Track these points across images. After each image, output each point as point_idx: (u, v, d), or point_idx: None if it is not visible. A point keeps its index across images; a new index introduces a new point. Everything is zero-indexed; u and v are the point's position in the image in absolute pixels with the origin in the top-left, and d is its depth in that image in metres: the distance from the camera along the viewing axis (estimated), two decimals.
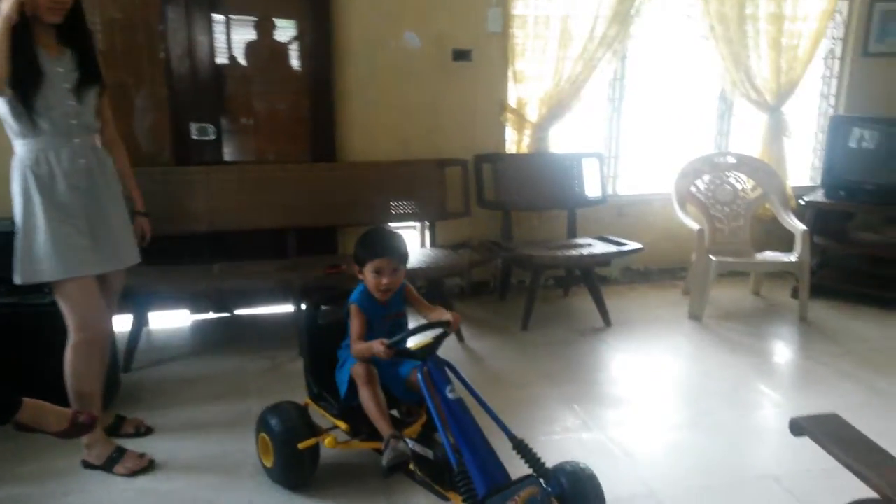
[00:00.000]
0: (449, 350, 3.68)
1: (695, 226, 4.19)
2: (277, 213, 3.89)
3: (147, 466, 2.57)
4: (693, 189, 4.46)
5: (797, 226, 4.18)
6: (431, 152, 4.23)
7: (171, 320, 4.11)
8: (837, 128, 4.57)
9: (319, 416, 2.51)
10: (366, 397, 2.24)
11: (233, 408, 3.06)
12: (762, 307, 4.50)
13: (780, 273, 4.75)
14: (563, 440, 2.83)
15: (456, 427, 2.01)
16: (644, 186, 4.88)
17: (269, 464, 2.46)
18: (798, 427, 1.67)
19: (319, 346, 2.53)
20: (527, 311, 3.99)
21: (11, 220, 2.48)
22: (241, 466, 2.61)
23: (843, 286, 4.54)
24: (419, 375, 2.10)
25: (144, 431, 2.82)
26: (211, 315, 4.18)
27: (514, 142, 4.45)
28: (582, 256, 3.96)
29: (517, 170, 4.34)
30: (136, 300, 3.42)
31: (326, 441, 2.31)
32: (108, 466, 2.54)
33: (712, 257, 4.06)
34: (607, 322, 4.05)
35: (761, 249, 4.41)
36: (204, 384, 3.31)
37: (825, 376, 3.44)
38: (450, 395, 2.07)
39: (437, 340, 2.24)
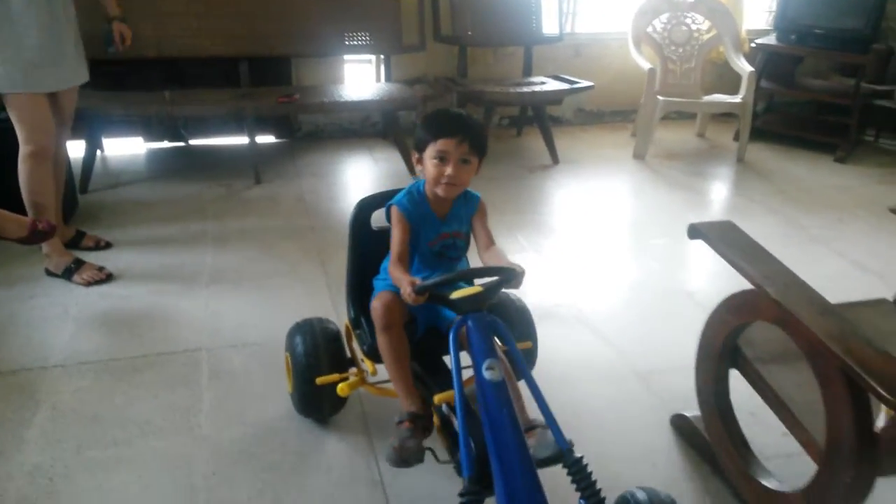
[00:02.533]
0: (399, 177, 3.84)
1: (646, 65, 4.24)
2: (228, 40, 3.85)
3: (104, 279, 2.73)
4: (649, 29, 4.47)
5: (745, 67, 4.27)
6: None
7: (126, 148, 4.16)
8: None
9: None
10: (383, 346, 1.69)
11: (189, 227, 3.22)
12: (705, 148, 4.68)
13: (726, 117, 4.89)
14: None
15: (487, 422, 1.42)
16: (602, 25, 4.85)
17: (289, 388, 2.02)
18: (695, 231, 1.86)
19: (368, 257, 1.90)
20: None
21: None
22: (199, 276, 2.79)
23: (786, 130, 4.71)
24: (451, 336, 1.51)
25: (104, 245, 2.96)
26: (165, 144, 4.23)
27: None
28: (534, 93, 4.03)
29: (474, 2, 4.28)
30: (88, 123, 3.45)
31: (339, 387, 1.82)
32: (66, 275, 2.70)
33: (659, 97, 4.16)
34: (555, 160, 4.20)
35: (711, 93, 4.52)
36: (161, 206, 3.43)
37: (753, 211, 3.67)
38: (486, 374, 1.43)
39: (489, 292, 1.55)
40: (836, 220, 3.54)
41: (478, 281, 1.66)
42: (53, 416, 2.01)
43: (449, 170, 1.67)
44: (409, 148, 3.83)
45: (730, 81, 4.65)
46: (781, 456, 1.85)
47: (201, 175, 3.83)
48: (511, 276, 1.57)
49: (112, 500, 1.73)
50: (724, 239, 1.81)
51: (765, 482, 1.70)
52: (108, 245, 2.97)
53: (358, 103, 3.85)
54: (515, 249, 3.11)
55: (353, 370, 1.92)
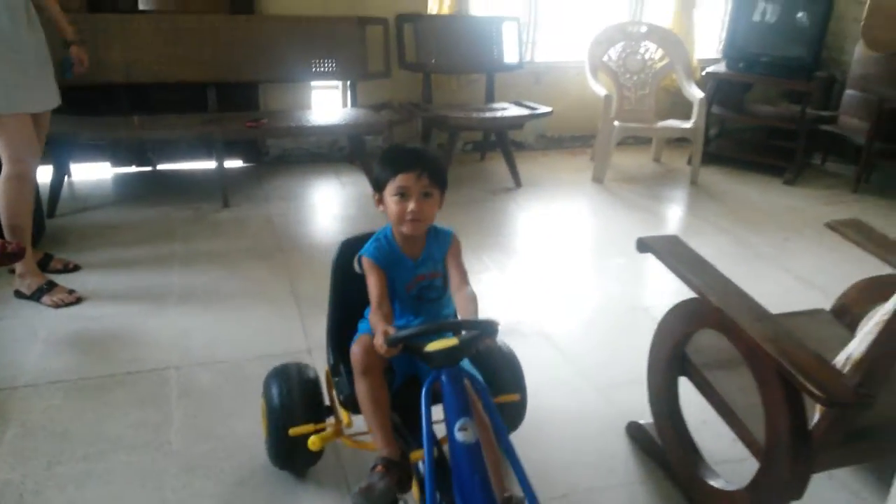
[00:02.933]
0: (365, 201, 3.91)
1: (602, 91, 4.41)
2: (196, 66, 3.92)
3: (74, 302, 2.75)
4: (605, 58, 4.66)
5: (696, 94, 4.47)
6: (353, 9, 4.26)
7: (94, 173, 4.18)
8: (741, 1, 4.78)
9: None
10: (361, 391, 1.62)
11: (158, 249, 3.26)
12: (660, 172, 4.85)
13: (680, 142, 5.08)
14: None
15: (457, 485, 1.37)
16: (561, 54, 5.03)
17: (264, 434, 1.90)
18: (643, 244, 1.98)
19: (350, 300, 1.81)
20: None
21: None
22: (167, 296, 2.83)
23: (738, 154, 4.93)
24: (423, 391, 1.43)
25: (72, 268, 2.99)
26: (133, 169, 4.26)
27: (436, 2, 4.50)
28: (495, 118, 4.17)
29: (438, 31, 4.43)
30: (57, 147, 3.48)
31: (310, 440, 1.72)
32: (36, 296, 2.72)
33: (615, 122, 4.33)
34: (518, 183, 4.32)
35: (665, 118, 4.71)
36: (129, 230, 3.46)
37: (706, 230, 3.83)
38: (459, 436, 1.37)
39: (465, 345, 1.46)
40: (782, 239, 3.71)
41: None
42: (23, 433, 2.04)
43: (411, 205, 1.61)
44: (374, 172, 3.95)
45: (682, 108, 4.85)
46: (732, 461, 1.94)
47: (169, 199, 3.87)
48: (490, 330, 1.49)
49: None
50: (670, 252, 1.93)
51: (712, 483, 1.81)
52: (76, 268, 3.00)
53: (325, 128, 3.95)
54: (480, 269, 3.20)
55: (331, 420, 1.83)
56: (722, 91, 4.81)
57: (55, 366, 2.36)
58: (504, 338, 2.18)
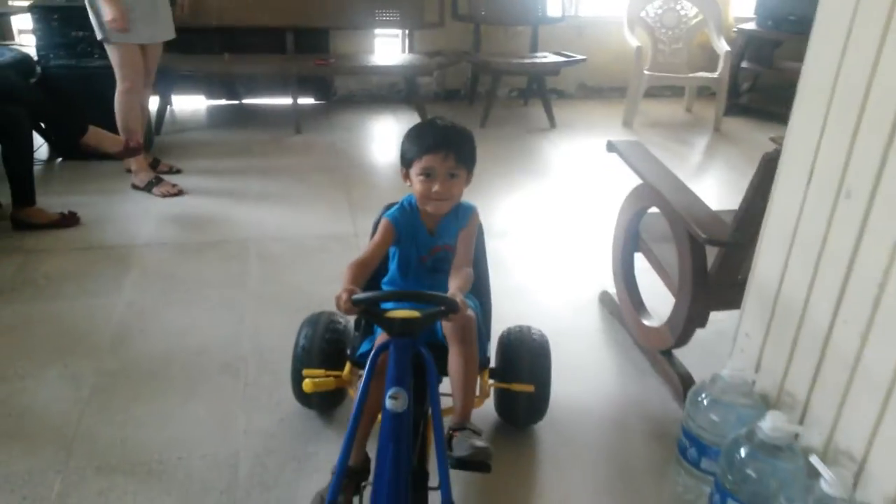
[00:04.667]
0: None
1: (635, 43, 4.86)
2: (277, 12, 4.58)
3: (177, 194, 3.48)
4: (643, 13, 5.08)
5: (723, 47, 4.86)
6: None
7: (191, 103, 4.94)
8: None
9: None
10: (363, 390, 1.48)
11: (242, 161, 3.98)
12: (689, 120, 5.27)
13: (714, 95, 5.46)
14: (488, 209, 3.73)
15: (379, 449, 1.37)
16: (603, 9, 5.47)
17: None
18: (610, 146, 2.53)
19: (385, 259, 1.80)
20: (486, 111, 4.77)
21: None
22: (248, 194, 3.56)
23: (765, 106, 5.28)
24: (371, 355, 1.45)
25: (176, 170, 3.72)
26: (223, 102, 5.00)
27: None
28: (534, 64, 4.69)
29: None
30: (161, 79, 4.19)
31: (304, 382, 1.73)
32: (148, 188, 3.46)
33: (645, 71, 4.78)
34: (552, 124, 4.84)
35: (698, 71, 5.11)
36: (219, 146, 4.19)
37: (716, 169, 4.28)
38: (388, 403, 1.36)
39: (425, 319, 1.44)
40: None
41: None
42: (142, 274, 2.77)
43: (436, 186, 1.61)
44: (426, 111, 4.56)
45: (716, 62, 5.22)
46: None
47: (252, 126, 4.59)
48: (451, 308, 1.43)
49: (185, 324, 2.46)
50: (630, 152, 2.47)
51: (647, 323, 2.37)
52: (178, 171, 3.73)
53: (383, 68, 4.58)
54: (510, 187, 3.76)
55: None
56: (753, 47, 5.17)
57: (163, 234, 3.10)
58: (513, 240, 2.75)
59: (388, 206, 1.80)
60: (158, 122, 4.28)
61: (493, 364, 1.89)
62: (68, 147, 3.46)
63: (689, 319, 2.14)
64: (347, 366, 1.80)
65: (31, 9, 3.62)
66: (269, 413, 2.03)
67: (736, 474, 1.56)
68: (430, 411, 1.52)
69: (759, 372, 1.79)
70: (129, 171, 3.56)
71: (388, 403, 1.37)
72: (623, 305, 2.53)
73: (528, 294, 2.72)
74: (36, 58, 3.67)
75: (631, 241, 2.49)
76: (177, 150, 4.06)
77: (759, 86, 5.53)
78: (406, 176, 1.70)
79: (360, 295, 1.44)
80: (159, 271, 2.79)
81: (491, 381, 1.86)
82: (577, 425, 2.03)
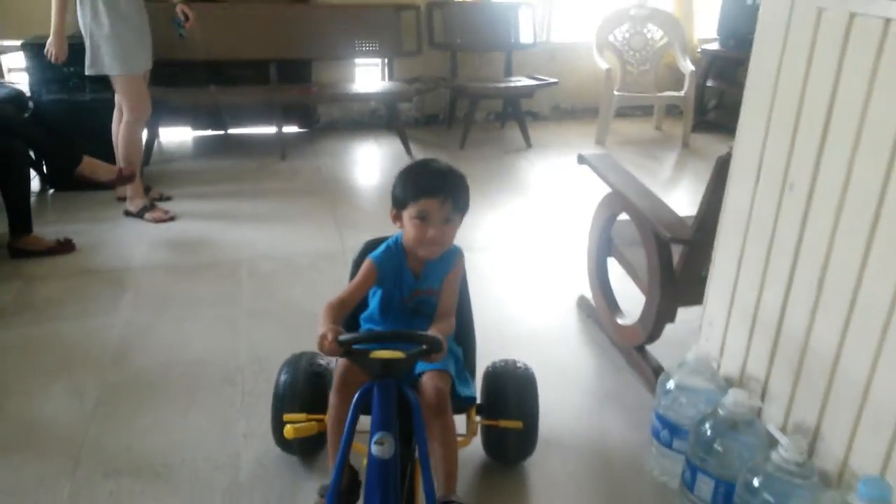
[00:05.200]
0: (396, 157, 4.69)
1: (604, 65, 5.08)
2: (261, 46, 4.75)
3: (169, 219, 3.60)
4: (611, 38, 5.31)
5: (688, 67, 5.09)
6: None
7: (177, 135, 5.07)
8: None
9: None
10: (330, 405, 1.57)
11: (230, 187, 4.11)
12: (658, 137, 5.49)
13: (681, 114, 5.69)
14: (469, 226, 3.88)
15: (365, 499, 1.36)
16: (574, 34, 5.71)
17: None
18: (581, 158, 2.69)
19: (366, 298, 1.78)
20: (464, 133, 4.96)
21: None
22: (239, 217, 3.68)
23: (733, 123, 5.45)
24: (353, 401, 1.41)
25: (166, 197, 3.84)
26: (209, 132, 5.14)
27: None
28: (508, 87, 4.89)
29: (463, 15, 5.18)
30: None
31: (286, 428, 1.70)
32: (141, 214, 3.57)
33: (615, 92, 4.99)
34: (528, 144, 5.03)
35: (664, 90, 5.33)
36: (207, 174, 4.32)
37: (685, 182, 4.47)
38: (374, 449, 1.34)
39: (409, 360, 1.41)
40: None
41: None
42: (138, 294, 2.87)
43: (431, 231, 1.55)
44: (407, 135, 4.74)
45: (682, 82, 5.46)
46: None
47: (238, 154, 4.73)
48: (433, 347, 1.40)
49: (182, 339, 2.57)
50: (600, 163, 2.63)
51: (621, 322, 2.51)
52: (169, 198, 3.85)
53: (364, 95, 4.76)
54: (487, 205, 3.92)
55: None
56: (717, 66, 5.41)
57: (156, 257, 3.22)
58: (494, 251, 2.90)
59: (370, 243, 1.76)
60: (147, 152, 4.40)
61: (479, 400, 1.84)
62: (64, 177, 3.57)
63: (658, 315, 2.28)
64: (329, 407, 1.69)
65: (23, 46, 3.75)
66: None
67: (704, 450, 1.69)
68: (416, 452, 1.51)
69: (723, 357, 1.94)
70: (119, 199, 3.68)
71: (375, 450, 1.34)
72: (598, 307, 2.67)
73: (508, 302, 2.86)
74: (28, 93, 3.79)
75: (604, 246, 2.65)
76: (166, 179, 4.18)
77: (725, 102, 5.77)
78: (396, 217, 1.62)
79: (345, 336, 1.40)
80: (154, 292, 2.90)
81: (478, 418, 1.82)
82: (559, 420, 2.16)
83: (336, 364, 1.56)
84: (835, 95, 1.51)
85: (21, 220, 3.09)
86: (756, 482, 1.53)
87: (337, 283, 2.86)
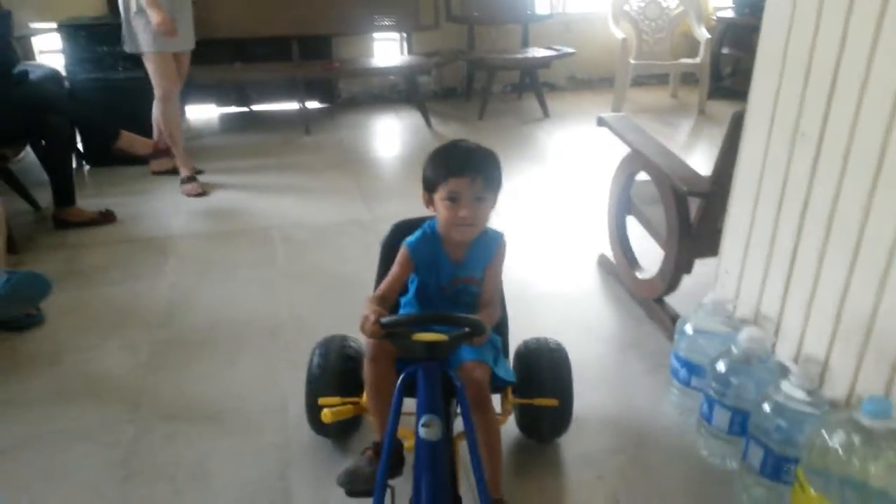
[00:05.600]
0: (416, 130, 4.81)
1: (620, 34, 5.14)
2: (283, 23, 4.86)
3: (200, 194, 3.72)
4: (626, 7, 5.37)
5: (703, 35, 5.14)
6: None
7: (203, 112, 5.21)
8: None
9: None
10: (367, 376, 1.59)
11: (257, 161, 4.25)
12: (674, 105, 5.56)
13: (696, 81, 5.75)
14: None
15: (415, 481, 1.34)
16: (589, 5, 5.76)
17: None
18: (601, 121, 2.79)
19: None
20: (483, 104, 5.05)
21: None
22: (267, 188, 3.83)
23: (748, 89, 5.53)
24: (398, 383, 1.43)
25: (198, 171, 3.98)
26: (233, 109, 5.27)
27: None
28: (525, 58, 4.98)
29: None
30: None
31: (323, 412, 1.70)
32: (186, 182, 3.73)
33: (631, 60, 5.06)
34: (546, 113, 5.12)
35: (680, 58, 5.39)
36: (234, 149, 4.47)
37: (701, 147, 4.55)
38: (422, 431, 1.34)
39: (452, 342, 1.41)
40: None
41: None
42: (180, 260, 3.03)
43: (463, 211, 1.52)
44: (426, 108, 4.84)
45: (698, 50, 5.51)
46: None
47: (263, 130, 4.87)
48: (476, 330, 1.41)
49: (225, 299, 2.72)
50: (619, 124, 2.74)
51: (640, 276, 2.63)
52: (200, 171, 3.99)
53: (385, 69, 4.86)
54: (510, 173, 4.01)
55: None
56: (732, 34, 5.46)
57: (194, 226, 3.37)
58: (517, 212, 3.01)
59: (400, 225, 1.76)
60: None
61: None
62: (102, 152, 3.72)
63: (677, 267, 2.40)
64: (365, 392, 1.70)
65: (59, 28, 3.90)
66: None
67: (721, 384, 1.82)
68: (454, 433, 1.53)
69: (738, 300, 2.05)
70: (155, 173, 3.84)
71: (422, 432, 1.33)
72: (619, 263, 2.79)
73: (532, 264, 2.98)
74: (64, 73, 3.94)
75: (623, 205, 2.76)
76: (194, 155, 4.31)
77: (740, 69, 5.81)
78: (429, 201, 1.60)
79: (388, 318, 1.41)
80: (195, 257, 3.05)
81: (512, 398, 1.80)
82: (585, 369, 2.26)
83: (367, 338, 1.52)
84: (842, 50, 1.61)
85: (65, 192, 3.24)
86: (769, 410, 1.65)
87: (365, 248, 3.03)
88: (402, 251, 1.63)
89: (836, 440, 1.45)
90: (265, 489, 1.79)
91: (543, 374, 1.83)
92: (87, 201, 3.48)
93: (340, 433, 1.91)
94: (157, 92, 3.60)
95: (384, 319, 1.41)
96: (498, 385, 1.67)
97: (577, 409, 1.90)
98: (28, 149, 3.51)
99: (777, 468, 1.65)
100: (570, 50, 5.00)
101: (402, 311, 1.71)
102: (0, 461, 1.89)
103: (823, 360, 1.73)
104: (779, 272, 1.87)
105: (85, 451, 1.93)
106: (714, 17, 5.48)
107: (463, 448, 1.59)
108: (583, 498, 1.77)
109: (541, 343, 1.91)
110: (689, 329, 2.01)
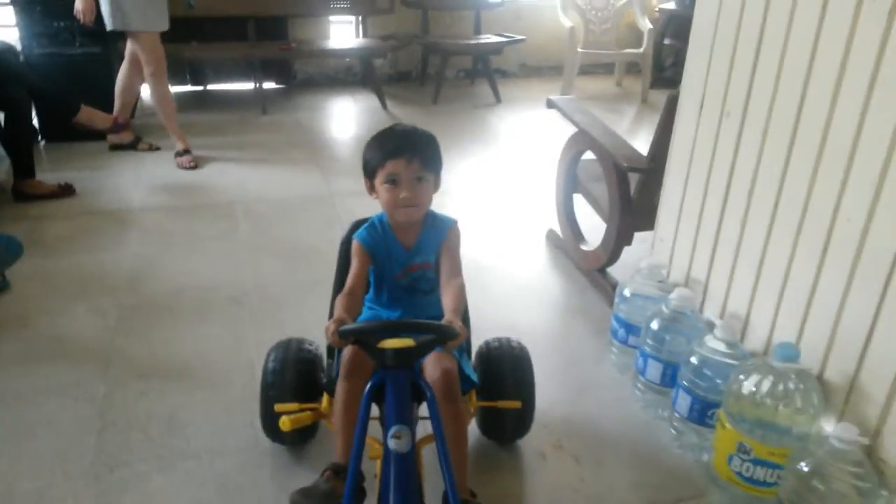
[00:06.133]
0: (373, 112, 4.93)
1: (568, 23, 5.35)
2: (240, 1, 4.89)
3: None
4: None
5: (646, 26, 5.39)
6: None
7: None
8: None
9: None
10: (338, 392, 1.54)
11: (215, 139, 4.31)
12: (619, 93, 5.81)
13: (639, 71, 6.01)
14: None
15: (383, 494, 1.31)
16: None
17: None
18: (550, 102, 2.98)
19: None
20: (436, 89, 5.20)
21: None
22: (228, 164, 3.91)
23: None
24: (365, 392, 1.36)
25: (155, 147, 4.03)
26: (189, 87, 5.29)
27: None
28: (478, 44, 5.14)
29: None
30: None
31: (281, 420, 1.60)
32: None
33: (578, 49, 5.27)
34: (497, 98, 5.30)
35: (624, 48, 5.62)
36: (191, 127, 4.46)
37: (644, 134, 4.77)
38: (391, 443, 1.30)
39: (420, 349, 1.36)
40: None
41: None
42: (143, 232, 3.10)
43: (403, 192, 1.54)
44: (382, 91, 4.96)
45: (642, 40, 5.75)
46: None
47: (218, 109, 4.93)
48: (448, 336, 1.36)
49: (190, 268, 2.81)
50: (567, 106, 2.92)
51: (585, 248, 2.83)
52: (157, 148, 4.04)
53: (341, 51, 4.96)
54: (462, 155, 4.19)
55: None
56: (674, 25, 5.72)
57: (155, 200, 3.44)
58: (462, 194, 3.17)
59: (357, 223, 1.73)
60: (133, 108, 4.56)
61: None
62: (59, 126, 3.74)
63: (618, 239, 2.60)
64: (325, 398, 1.70)
65: (13, 1, 3.87)
66: (273, 329, 2.39)
67: (655, 340, 2.02)
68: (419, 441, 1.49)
69: (672, 266, 2.26)
70: (113, 147, 3.87)
71: (392, 444, 1.30)
72: (565, 237, 2.98)
73: (484, 239, 3.15)
74: (18, 48, 3.93)
75: (570, 182, 2.95)
76: (150, 132, 4.35)
77: (681, 60, 6.05)
78: (371, 188, 1.62)
79: (347, 326, 1.37)
80: (158, 229, 3.13)
81: (476, 401, 1.78)
82: (532, 335, 2.44)
83: (343, 353, 1.54)
84: (762, 34, 1.81)
85: (25, 165, 3.27)
86: (696, 361, 1.86)
87: (325, 221, 3.17)
88: (354, 244, 1.64)
89: (750, 382, 1.66)
90: (236, 435, 1.92)
91: (506, 376, 1.80)
92: (45, 175, 3.50)
93: (297, 441, 1.86)
94: (148, 69, 3.65)
95: (343, 328, 1.36)
96: (462, 388, 1.62)
97: None
98: None
99: (702, 413, 1.86)
100: (520, 37, 5.18)
101: (366, 311, 1.71)
102: None
103: (745, 316, 1.95)
104: (707, 240, 2.09)
105: (60, 406, 2.03)
106: (657, 9, 5.73)
107: (426, 452, 1.61)
108: (531, 443, 1.95)
109: (503, 344, 1.87)
110: (627, 292, 2.21)
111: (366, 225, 1.67)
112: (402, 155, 1.53)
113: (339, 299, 1.53)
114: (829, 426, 1.62)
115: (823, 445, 1.52)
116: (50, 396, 2.06)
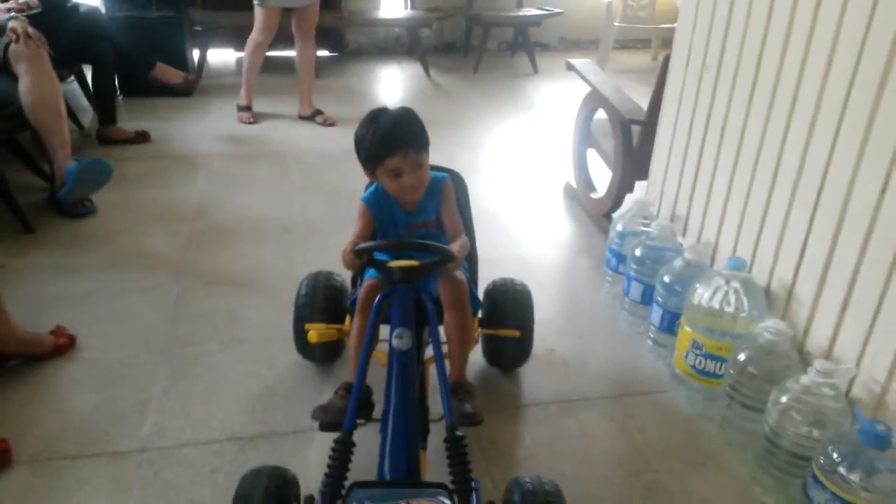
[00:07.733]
0: (417, 79, 5.30)
1: None
2: None
3: (251, 122, 4.23)
4: None
5: None
6: None
7: (222, 56, 5.69)
8: None
9: None
10: (354, 326, 1.74)
11: (272, 100, 4.74)
12: (654, 67, 5.97)
13: None
14: (480, 134, 4.49)
15: (387, 384, 1.51)
16: None
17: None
18: (569, 65, 3.30)
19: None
20: (478, 59, 5.53)
21: None
22: (283, 121, 4.34)
23: None
24: (375, 303, 1.58)
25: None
26: None
27: None
28: (518, 16, 5.44)
29: None
30: (202, 33, 4.95)
31: (309, 333, 1.87)
32: (242, 110, 4.25)
33: (615, 23, 5.53)
34: (535, 70, 5.60)
35: (662, 23, 5.84)
36: (255, 87, 4.95)
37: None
38: (394, 342, 1.50)
39: (424, 269, 1.58)
40: None
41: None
42: (208, 173, 3.55)
43: (408, 180, 1.67)
44: (427, 60, 5.32)
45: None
46: None
47: (276, 73, 5.32)
48: (447, 258, 1.59)
49: (248, 203, 3.24)
50: (584, 69, 3.24)
51: (593, 196, 3.15)
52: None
53: (389, 20, 5.34)
54: (498, 119, 4.52)
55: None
56: None
57: (219, 148, 3.90)
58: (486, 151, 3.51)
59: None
60: (200, 69, 5.04)
61: (480, 314, 2.03)
62: (136, 82, 4.21)
63: (621, 186, 2.93)
64: (347, 318, 1.94)
65: None
66: (317, 255, 2.80)
67: (637, 264, 2.35)
68: (426, 353, 1.76)
69: (661, 204, 2.59)
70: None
71: (394, 342, 1.50)
72: (578, 187, 3.31)
73: (508, 191, 3.50)
74: (103, 10, 4.42)
75: (584, 138, 3.27)
76: (216, 91, 4.82)
77: None
78: (372, 176, 1.74)
79: (363, 245, 1.59)
80: (221, 171, 3.58)
81: (480, 329, 2.01)
82: (540, 269, 2.80)
83: (360, 291, 1.75)
84: None
85: (108, 112, 3.75)
86: (667, 279, 2.19)
87: None
88: (360, 206, 1.79)
89: (703, 289, 1.99)
90: (282, 329, 2.31)
91: (507, 309, 2.02)
92: (124, 125, 3.98)
93: (325, 358, 2.13)
94: (253, 35, 4.06)
95: (358, 247, 1.58)
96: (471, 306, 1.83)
97: (536, 297, 2.24)
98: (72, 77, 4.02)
99: (671, 323, 2.19)
100: (558, 10, 5.46)
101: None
102: (78, 304, 2.44)
103: (714, 243, 2.27)
104: (688, 179, 2.40)
105: (142, 301, 2.48)
106: None
107: (433, 375, 1.79)
108: None
109: (507, 282, 2.09)
110: (619, 226, 2.54)
111: (371, 188, 1.81)
112: (399, 150, 1.64)
113: (346, 251, 1.64)
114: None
115: (758, 339, 1.85)
116: (133, 294, 2.52)
